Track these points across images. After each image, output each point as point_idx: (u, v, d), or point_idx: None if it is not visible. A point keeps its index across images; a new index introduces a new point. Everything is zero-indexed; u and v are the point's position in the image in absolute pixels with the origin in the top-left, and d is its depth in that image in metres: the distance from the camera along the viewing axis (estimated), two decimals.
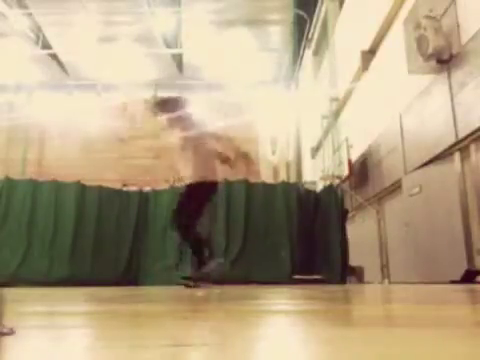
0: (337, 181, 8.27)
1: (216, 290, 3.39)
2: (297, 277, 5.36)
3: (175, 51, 13.50)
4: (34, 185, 6.14)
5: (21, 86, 14.92)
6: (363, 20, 7.29)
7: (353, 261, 6.09)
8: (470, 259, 4.16)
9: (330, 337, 0.69)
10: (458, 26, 4.36)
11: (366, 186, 7.33)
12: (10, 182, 6.14)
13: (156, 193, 6.48)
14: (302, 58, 12.61)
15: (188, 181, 3.96)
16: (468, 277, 4.03)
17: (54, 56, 14.00)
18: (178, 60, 14.11)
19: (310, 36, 11.56)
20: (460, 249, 4.24)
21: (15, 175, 6.94)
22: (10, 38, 12.89)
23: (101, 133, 13.11)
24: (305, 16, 11.49)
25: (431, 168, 4.96)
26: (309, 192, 6.49)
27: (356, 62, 7.44)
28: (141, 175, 12.55)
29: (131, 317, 1.15)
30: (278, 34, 13.13)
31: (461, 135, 4.31)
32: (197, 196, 3.85)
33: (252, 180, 6.02)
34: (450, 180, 4.55)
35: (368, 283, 6.26)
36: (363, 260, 6.70)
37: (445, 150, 4.64)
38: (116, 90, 15.02)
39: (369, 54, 7.08)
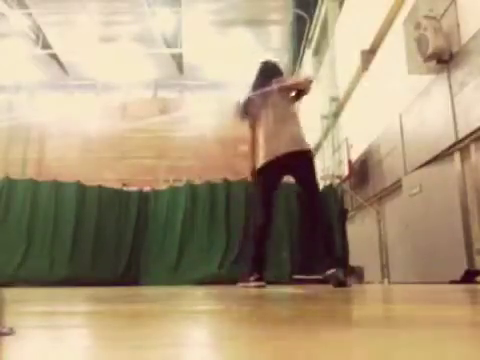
0: (337, 181, 8.27)
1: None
2: (297, 277, 5.37)
3: (175, 51, 13.51)
4: (34, 185, 6.15)
5: (21, 86, 14.92)
6: (363, 20, 7.28)
7: (353, 261, 6.09)
8: (470, 259, 4.15)
9: (330, 337, 0.69)
10: (458, 26, 4.36)
11: (366, 186, 7.33)
12: (10, 182, 6.15)
13: (156, 193, 6.48)
14: (302, 58, 12.60)
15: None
16: (468, 277, 4.03)
17: (54, 56, 14.01)
18: (178, 60, 14.11)
19: (310, 36, 11.55)
20: (460, 249, 4.24)
21: (15, 175, 6.94)
22: (10, 38, 12.90)
23: (101, 133, 13.11)
24: (305, 16, 11.49)
25: (431, 168, 4.95)
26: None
27: (356, 62, 7.44)
28: (141, 175, 12.56)
29: (131, 317, 1.15)
30: (278, 34, 13.14)
31: (461, 135, 4.30)
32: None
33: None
34: (450, 180, 4.55)
35: (368, 283, 6.26)
36: (363, 260, 6.70)
37: (445, 150, 4.64)
38: (116, 90, 15.03)
39: (369, 54, 7.08)
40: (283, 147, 3.39)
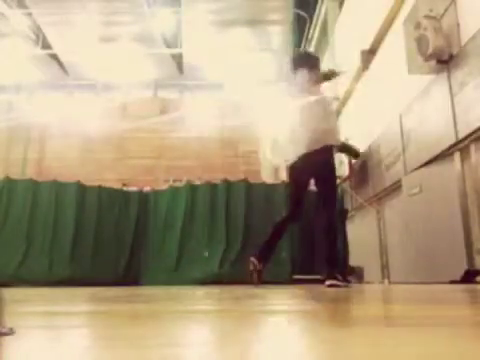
0: (337, 181, 8.27)
1: (216, 290, 3.38)
2: (297, 277, 5.37)
3: (175, 51, 13.50)
4: (34, 185, 6.14)
5: (21, 86, 14.92)
6: (363, 20, 7.28)
7: (353, 261, 6.09)
8: (470, 259, 4.15)
9: (330, 337, 0.69)
10: (458, 26, 4.36)
11: (366, 186, 7.33)
12: (10, 182, 6.15)
13: (156, 193, 6.48)
14: None
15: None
16: (468, 277, 4.03)
17: (54, 56, 14.00)
18: (178, 60, 14.10)
19: (310, 36, 11.55)
20: (460, 249, 4.24)
21: (15, 175, 6.94)
22: (10, 38, 12.89)
23: (101, 133, 13.11)
24: (305, 16, 11.49)
25: (431, 168, 4.95)
26: (309, 192, 6.49)
27: (356, 62, 7.44)
28: (141, 175, 12.55)
29: (131, 317, 1.15)
30: (278, 34, 13.13)
31: (461, 135, 4.30)
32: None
33: None
34: (450, 180, 4.55)
35: (368, 283, 6.26)
36: (363, 260, 6.70)
37: (445, 150, 4.63)
38: (116, 90, 15.02)
39: (369, 54, 7.08)
40: (304, 148, 3.44)
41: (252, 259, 3.51)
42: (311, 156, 3.39)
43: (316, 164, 3.44)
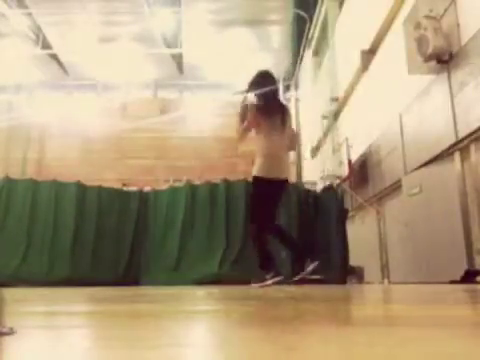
0: (337, 181, 8.27)
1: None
2: (297, 277, 5.36)
3: (175, 51, 13.49)
4: (34, 185, 6.14)
5: (21, 86, 14.91)
6: (363, 20, 7.28)
7: (353, 261, 6.09)
8: (470, 259, 4.16)
9: (330, 337, 0.69)
10: (458, 26, 4.36)
11: (366, 186, 7.33)
12: (10, 182, 6.14)
13: (156, 193, 6.48)
14: (302, 58, 12.60)
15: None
16: (468, 277, 4.03)
17: (54, 56, 13.99)
18: (178, 60, 14.09)
19: (310, 36, 11.55)
20: (460, 249, 4.24)
21: (15, 175, 6.94)
22: (10, 38, 12.88)
23: (101, 133, 13.10)
24: (305, 16, 11.49)
25: (431, 168, 4.95)
26: (309, 192, 6.49)
27: (356, 62, 7.44)
28: (141, 175, 12.56)
29: (131, 317, 1.15)
30: (278, 34, 13.12)
31: (461, 135, 4.31)
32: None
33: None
34: (450, 180, 4.55)
35: (368, 283, 6.26)
36: (363, 260, 6.71)
37: (445, 150, 4.64)
38: (116, 90, 15.02)
39: (369, 54, 7.08)
40: (284, 173, 3.57)
41: (277, 279, 3.48)
42: (284, 182, 3.60)
43: (284, 189, 3.68)
